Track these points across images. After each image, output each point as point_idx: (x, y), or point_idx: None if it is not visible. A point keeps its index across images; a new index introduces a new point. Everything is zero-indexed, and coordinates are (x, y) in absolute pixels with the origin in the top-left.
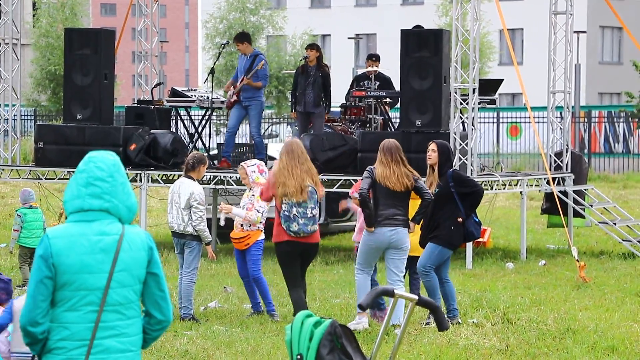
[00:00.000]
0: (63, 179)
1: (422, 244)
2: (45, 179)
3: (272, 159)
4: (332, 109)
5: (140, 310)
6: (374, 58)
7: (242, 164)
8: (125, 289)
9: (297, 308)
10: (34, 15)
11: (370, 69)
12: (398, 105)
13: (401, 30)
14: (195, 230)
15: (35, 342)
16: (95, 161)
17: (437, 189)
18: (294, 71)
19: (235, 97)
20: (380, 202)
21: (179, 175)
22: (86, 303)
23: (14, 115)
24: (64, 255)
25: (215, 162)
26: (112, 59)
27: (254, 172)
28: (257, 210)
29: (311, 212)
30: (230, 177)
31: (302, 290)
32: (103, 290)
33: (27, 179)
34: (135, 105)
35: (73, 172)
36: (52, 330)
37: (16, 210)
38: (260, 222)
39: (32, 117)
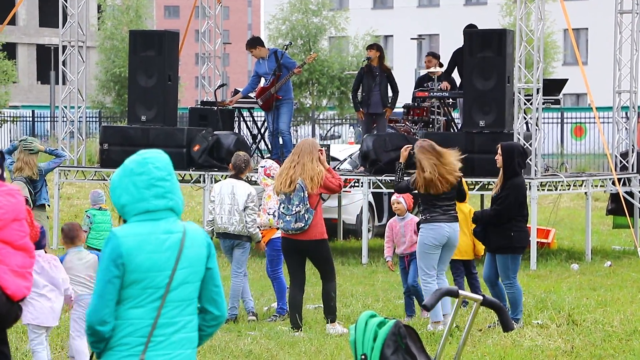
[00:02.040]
0: None
1: (490, 248)
2: (111, 180)
3: (335, 159)
4: (395, 110)
5: (197, 307)
6: (432, 56)
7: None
8: (188, 286)
9: (290, 307)
10: (99, 18)
11: (433, 69)
12: (461, 106)
13: (464, 30)
14: (248, 231)
15: (100, 341)
16: (154, 162)
17: (497, 193)
18: (357, 72)
19: (275, 97)
20: None
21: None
22: (152, 300)
23: (80, 117)
24: (134, 254)
25: None
26: (175, 60)
27: (260, 174)
28: (268, 213)
29: (295, 209)
30: None
31: (299, 290)
32: (166, 287)
33: (92, 180)
34: (199, 106)
35: None
36: (117, 327)
37: (85, 211)
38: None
39: (97, 119)
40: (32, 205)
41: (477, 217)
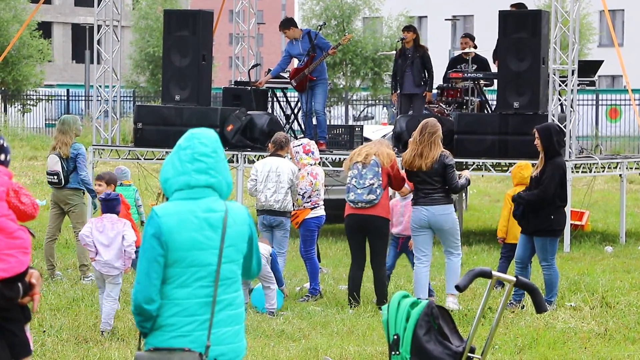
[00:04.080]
0: (161, 159)
1: (527, 230)
2: (144, 159)
3: (368, 140)
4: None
5: (241, 284)
6: (468, 38)
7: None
8: (232, 264)
9: (350, 284)
10: None
11: (467, 50)
12: (495, 87)
13: (499, 11)
14: (291, 207)
15: (147, 319)
16: (200, 137)
17: (538, 174)
18: (391, 52)
19: (310, 77)
20: None
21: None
22: (196, 279)
23: (114, 96)
24: (175, 232)
25: None
26: (210, 40)
27: (298, 152)
28: (298, 193)
29: (369, 182)
30: (326, 159)
31: (360, 268)
32: (213, 266)
33: (126, 159)
34: (233, 86)
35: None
36: (163, 307)
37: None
38: (308, 202)
39: (132, 98)
40: (62, 184)
41: (520, 198)
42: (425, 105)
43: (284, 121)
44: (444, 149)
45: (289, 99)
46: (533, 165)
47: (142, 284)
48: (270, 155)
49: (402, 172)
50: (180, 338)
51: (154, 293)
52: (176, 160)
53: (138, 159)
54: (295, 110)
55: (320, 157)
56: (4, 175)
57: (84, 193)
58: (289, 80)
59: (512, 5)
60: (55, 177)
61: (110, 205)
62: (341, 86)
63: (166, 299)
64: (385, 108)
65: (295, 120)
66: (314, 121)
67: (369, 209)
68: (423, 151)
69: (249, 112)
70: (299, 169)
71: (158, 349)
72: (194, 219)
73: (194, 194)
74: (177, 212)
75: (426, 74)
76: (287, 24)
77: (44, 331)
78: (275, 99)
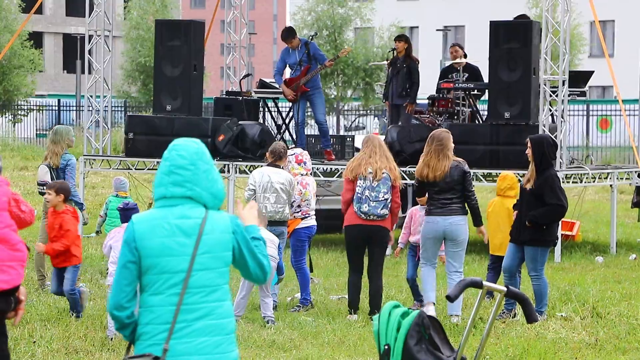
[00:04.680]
0: (152, 169)
1: (518, 240)
2: (135, 169)
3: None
4: (420, 101)
5: (229, 294)
6: (458, 46)
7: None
8: (210, 272)
9: (350, 291)
10: (125, 8)
11: (458, 60)
12: (486, 97)
13: (490, 21)
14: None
15: (122, 327)
16: (178, 149)
17: (534, 187)
18: (382, 63)
19: (303, 88)
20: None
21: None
22: (169, 286)
23: (105, 106)
24: (146, 238)
25: None
26: (201, 50)
27: (290, 162)
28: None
29: (383, 196)
30: (317, 169)
31: (359, 276)
32: (185, 272)
33: (117, 169)
34: (224, 96)
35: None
36: (140, 315)
37: (108, 198)
38: (298, 211)
39: (123, 109)
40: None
41: (537, 217)
42: (416, 116)
43: (275, 131)
44: (457, 158)
45: (280, 109)
46: (518, 175)
47: (114, 290)
48: (268, 165)
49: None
50: (155, 346)
51: (123, 300)
52: (158, 171)
53: (129, 169)
54: (287, 120)
55: (312, 168)
56: (3, 185)
57: (80, 207)
58: (280, 91)
59: (516, 18)
60: (45, 187)
61: (129, 215)
62: (332, 96)
63: (142, 306)
64: (376, 118)
65: (287, 130)
66: (311, 131)
67: (377, 221)
68: (432, 162)
69: (240, 122)
70: (293, 179)
71: (133, 357)
72: (165, 224)
73: (171, 203)
74: (150, 219)
75: (410, 85)
76: (293, 33)
77: (34, 342)
78: (266, 109)
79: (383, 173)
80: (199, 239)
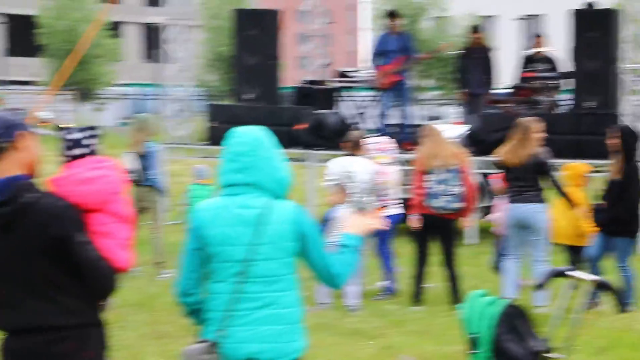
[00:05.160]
0: None
1: (607, 231)
2: (218, 157)
3: None
4: (499, 90)
5: (295, 283)
6: (541, 37)
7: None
8: (272, 262)
9: (415, 282)
10: None
11: (539, 49)
12: (568, 87)
13: (571, 10)
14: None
15: (190, 313)
16: (237, 136)
17: (622, 177)
18: (458, 52)
19: (394, 77)
20: None
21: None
22: (230, 274)
23: (186, 95)
24: (209, 227)
25: None
26: (279, 40)
27: (372, 150)
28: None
29: (457, 189)
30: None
31: (424, 266)
32: (244, 262)
33: (199, 157)
34: (303, 85)
35: None
36: (206, 301)
37: (187, 187)
38: (380, 200)
39: (203, 97)
40: (140, 180)
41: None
42: (497, 105)
43: (353, 120)
44: (540, 147)
45: (358, 98)
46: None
47: (180, 277)
48: (346, 155)
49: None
50: (216, 332)
51: (189, 286)
52: (221, 160)
53: (211, 157)
54: (365, 109)
55: (395, 156)
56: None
57: (161, 193)
58: (357, 79)
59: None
60: (133, 174)
61: None
62: (412, 86)
63: (210, 292)
64: (455, 107)
65: (365, 119)
66: (395, 120)
67: (448, 214)
68: (514, 149)
69: (318, 111)
70: (375, 167)
71: (199, 341)
72: (226, 213)
73: (233, 191)
74: (213, 207)
75: (488, 75)
76: (398, 14)
77: (123, 326)
78: (344, 98)
79: (451, 163)
80: (259, 229)
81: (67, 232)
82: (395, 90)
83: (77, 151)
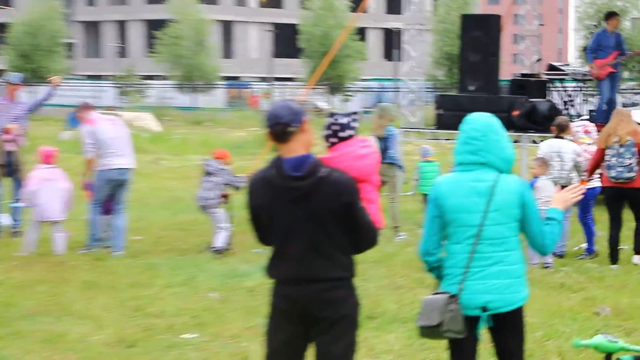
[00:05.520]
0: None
1: None
2: (444, 139)
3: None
4: None
5: (519, 244)
6: None
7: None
8: (500, 226)
9: (610, 244)
10: (434, 5)
11: None
12: None
13: None
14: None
15: (431, 269)
16: (471, 123)
17: None
18: None
19: (610, 69)
20: None
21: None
22: (466, 237)
23: (419, 87)
24: (447, 197)
25: None
26: (498, 39)
27: (578, 132)
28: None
29: (627, 161)
30: None
31: (618, 230)
32: (478, 227)
33: (428, 139)
34: (518, 78)
35: None
36: (445, 260)
37: (417, 164)
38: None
39: (431, 89)
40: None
41: None
42: None
43: (562, 107)
44: None
45: (565, 88)
46: None
47: (423, 239)
48: (554, 137)
49: None
50: (454, 285)
51: (431, 247)
52: (456, 141)
53: (438, 139)
54: (571, 98)
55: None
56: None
57: (400, 169)
58: (565, 72)
59: None
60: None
61: None
62: None
63: (448, 252)
64: None
65: (571, 106)
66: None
67: (627, 183)
68: None
69: (531, 100)
70: (581, 148)
71: (436, 293)
72: (463, 186)
73: (467, 168)
74: (451, 181)
75: None
76: (616, 14)
77: (365, 279)
78: (554, 88)
79: (627, 140)
80: (491, 198)
81: (353, 199)
82: (608, 81)
83: (345, 133)
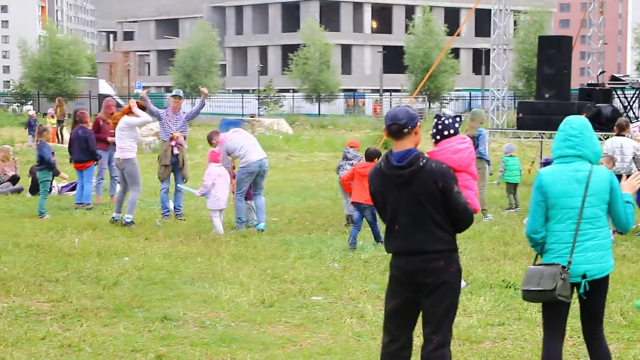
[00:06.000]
0: (535, 138)
1: None
2: (524, 138)
3: None
4: None
5: (606, 222)
6: None
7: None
8: (595, 208)
9: None
10: (514, 29)
11: None
12: None
13: None
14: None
15: (536, 245)
16: (570, 123)
17: None
18: None
19: None
20: None
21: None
22: (567, 218)
23: (503, 96)
24: (551, 185)
25: None
26: (570, 56)
27: (635, 131)
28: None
29: None
30: None
31: None
32: (577, 209)
33: (510, 138)
34: (585, 87)
35: (543, 133)
36: (547, 237)
37: (502, 158)
38: None
39: (512, 97)
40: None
41: None
42: None
43: (623, 110)
44: None
45: (625, 95)
46: None
47: (529, 220)
48: (616, 135)
49: None
50: (557, 258)
51: (537, 226)
52: (556, 139)
53: (519, 138)
54: (631, 103)
55: None
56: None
57: (487, 162)
58: (625, 82)
59: None
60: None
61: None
62: None
63: (549, 231)
64: None
65: (630, 110)
66: None
67: None
68: None
69: (597, 105)
70: (637, 144)
71: (541, 264)
72: (564, 175)
73: (567, 160)
74: (553, 171)
75: None
76: None
77: (459, 252)
78: (616, 96)
79: None
80: (587, 185)
81: (448, 185)
82: None
83: (448, 132)
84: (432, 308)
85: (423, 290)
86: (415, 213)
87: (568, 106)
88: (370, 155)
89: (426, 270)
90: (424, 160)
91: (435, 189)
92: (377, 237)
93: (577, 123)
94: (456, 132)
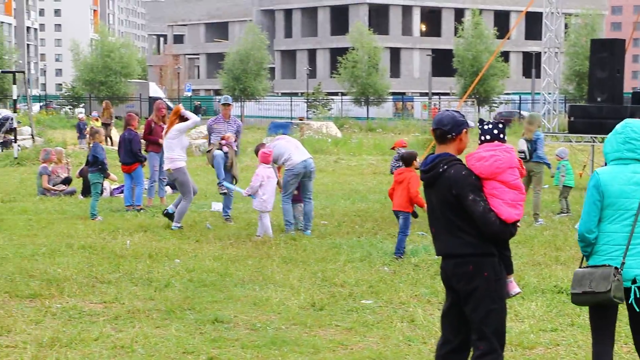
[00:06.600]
0: (587, 141)
1: None
2: (575, 142)
3: None
4: None
5: None
6: None
7: None
8: None
9: None
10: (565, 32)
11: None
12: None
13: None
14: None
15: (587, 245)
16: (630, 126)
17: None
18: None
19: None
20: None
21: None
22: (623, 219)
23: (554, 99)
24: (608, 185)
25: None
26: (622, 59)
27: None
28: None
29: None
30: None
31: None
32: (634, 210)
33: (561, 142)
34: (639, 90)
35: (595, 137)
36: (599, 237)
37: (560, 162)
38: None
39: (563, 101)
40: (527, 158)
41: None
42: None
43: None
44: None
45: None
46: None
47: (584, 219)
48: None
49: None
50: (608, 260)
51: (592, 226)
52: (613, 141)
53: (570, 141)
54: None
55: None
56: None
57: (548, 166)
58: None
59: None
60: (523, 154)
61: None
62: None
63: (601, 232)
64: None
65: None
66: None
67: None
68: None
69: None
70: None
71: (589, 267)
72: (622, 176)
73: (625, 162)
74: (611, 172)
75: None
76: None
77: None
78: None
79: None
80: None
81: (463, 192)
82: None
83: (485, 137)
84: (471, 314)
85: (461, 296)
86: (443, 217)
87: (621, 110)
88: (407, 160)
89: (457, 274)
90: (445, 166)
91: (450, 196)
92: (397, 249)
93: (637, 126)
94: (495, 139)
